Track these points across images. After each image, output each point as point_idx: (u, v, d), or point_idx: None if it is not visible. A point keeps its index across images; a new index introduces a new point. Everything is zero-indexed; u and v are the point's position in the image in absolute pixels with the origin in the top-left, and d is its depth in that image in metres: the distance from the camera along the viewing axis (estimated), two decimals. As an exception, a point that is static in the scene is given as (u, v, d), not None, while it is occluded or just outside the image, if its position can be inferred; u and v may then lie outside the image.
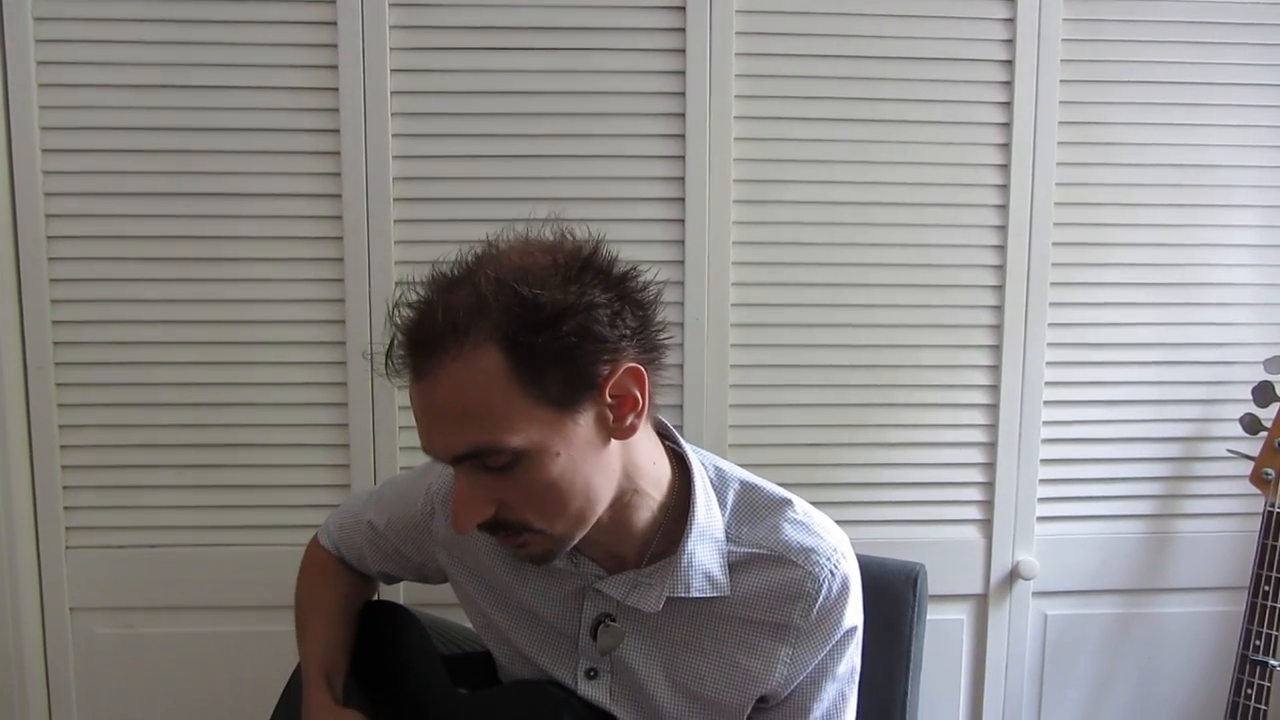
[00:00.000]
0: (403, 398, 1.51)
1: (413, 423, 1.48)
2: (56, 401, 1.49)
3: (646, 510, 0.95)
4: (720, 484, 1.00)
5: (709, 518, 0.96)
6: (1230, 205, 1.56)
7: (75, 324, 1.48)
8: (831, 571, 0.96)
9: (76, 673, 1.55)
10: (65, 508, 1.51)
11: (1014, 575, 1.60)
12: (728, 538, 0.97)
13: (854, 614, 0.99)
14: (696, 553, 0.95)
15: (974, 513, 1.59)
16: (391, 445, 1.52)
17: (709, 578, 0.96)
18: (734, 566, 0.97)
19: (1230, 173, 1.56)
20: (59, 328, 1.48)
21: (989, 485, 1.58)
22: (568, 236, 0.89)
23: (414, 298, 0.87)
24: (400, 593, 1.48)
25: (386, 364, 0.88)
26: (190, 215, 1.47)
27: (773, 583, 0.96)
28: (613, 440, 0.89)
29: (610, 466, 0.90)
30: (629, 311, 0.86)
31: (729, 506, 0.99)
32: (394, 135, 1.47)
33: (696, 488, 0.96)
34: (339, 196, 1.47)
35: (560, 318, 0.82)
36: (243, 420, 1.51)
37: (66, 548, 1.52)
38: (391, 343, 0.87)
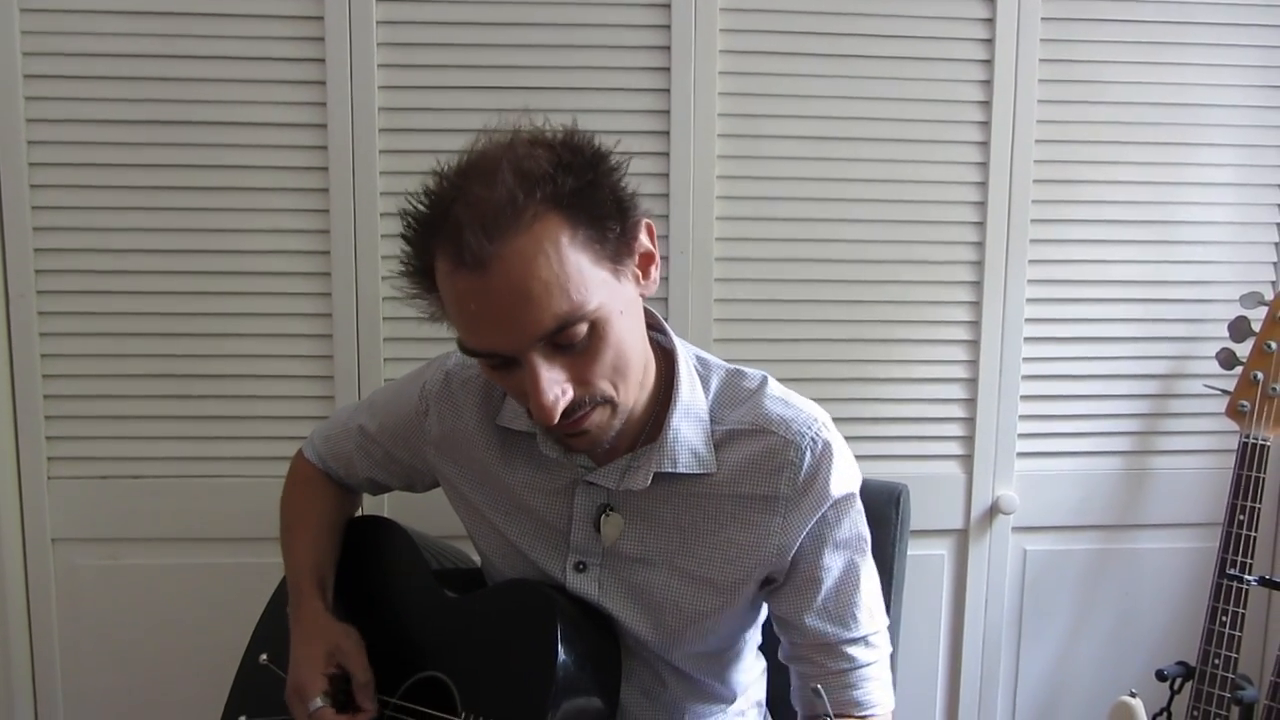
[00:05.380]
0: (389, 329, 1.52)
1: (399, 355, 1.52)
2: (39, 330, 1.48)
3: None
4: (704, 370, 1.03)
5: (693, 397, 0.98)
6: (1208, 144, 1.58)
7: (58, 252, 1.47)
8: (813, 439, 0.97)
9: (58, 603, 1.54)
10: (47, 437, 1.51)
11: (994, 510, 1.61)
12: (711, 418, 0.99)
13: (842, 481, 0.99)
14: (681, 429, 0.97)
15: (955, 448, 1.61)
16: (376, 376, 1.52)
17: (694, 454, 0.97)
18: (718, 444, 0.98)
19: (1208, 111, 1.57)
20: (41, 255, 1.47)
21: (970, 421, 1.60)
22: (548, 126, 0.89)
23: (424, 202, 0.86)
24: (386, 511, 1.47)
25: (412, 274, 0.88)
26: (174, 143, 1.46)
27: (756, 455, 0.98)
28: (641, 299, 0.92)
29: (644, 329, 0.95)
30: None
31: (713, 390, 1.01)
32: (380, 66, 1.46)
33: (681, 370, 0.98)
34: (324, 126, 1.47)
35: (599, 162, 0.85)
36: (227, 350, 1.51)
37: (49, 478, 1.51)
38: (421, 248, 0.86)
